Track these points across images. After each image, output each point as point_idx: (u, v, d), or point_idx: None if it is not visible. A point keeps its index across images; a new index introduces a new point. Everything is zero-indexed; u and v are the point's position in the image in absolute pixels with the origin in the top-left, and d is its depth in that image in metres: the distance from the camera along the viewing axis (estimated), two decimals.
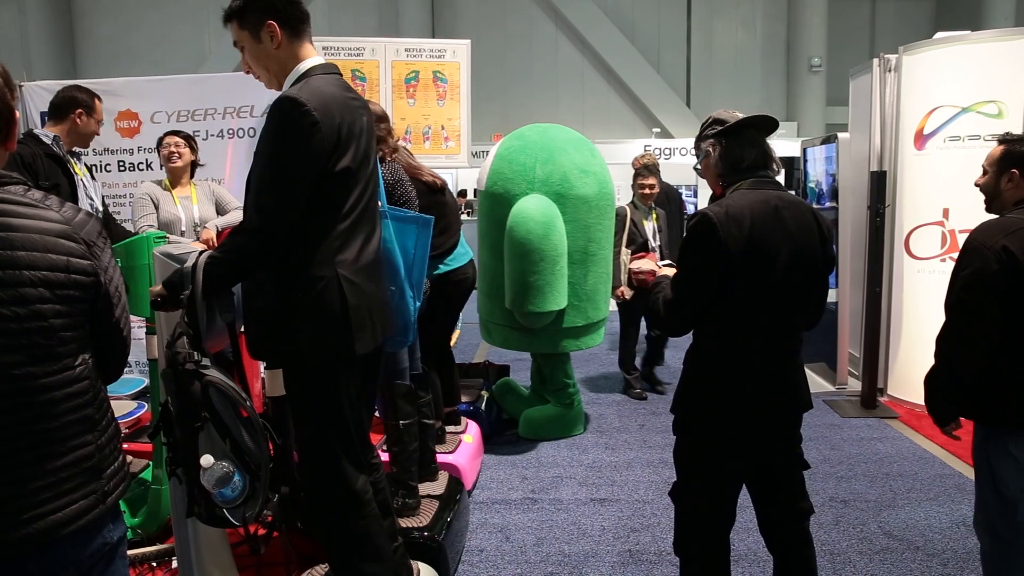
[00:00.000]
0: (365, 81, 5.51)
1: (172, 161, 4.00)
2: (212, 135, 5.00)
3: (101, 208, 3.57)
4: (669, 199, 5.54)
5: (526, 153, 4.16)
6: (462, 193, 12.27)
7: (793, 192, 2.49)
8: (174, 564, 2.54)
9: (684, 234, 2.43)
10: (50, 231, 1.27)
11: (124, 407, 3.89)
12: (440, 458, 3.38)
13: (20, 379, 1.23)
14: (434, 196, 3.44)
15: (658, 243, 5.19)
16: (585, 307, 4.23)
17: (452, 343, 4.57)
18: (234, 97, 4.97)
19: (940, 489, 3.68)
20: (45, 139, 3.29)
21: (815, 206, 4.94)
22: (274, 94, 2.04)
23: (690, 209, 10.31)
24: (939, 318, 2.19)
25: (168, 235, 3.57)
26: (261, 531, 2.41)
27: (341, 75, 2.09)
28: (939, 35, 5.01)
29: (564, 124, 4.60)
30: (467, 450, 3.71)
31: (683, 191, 10.48)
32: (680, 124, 14.34)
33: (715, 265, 1.94)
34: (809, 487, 2.24)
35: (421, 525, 2.78)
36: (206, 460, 1.68)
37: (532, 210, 3.93)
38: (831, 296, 2.28)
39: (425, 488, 3.05)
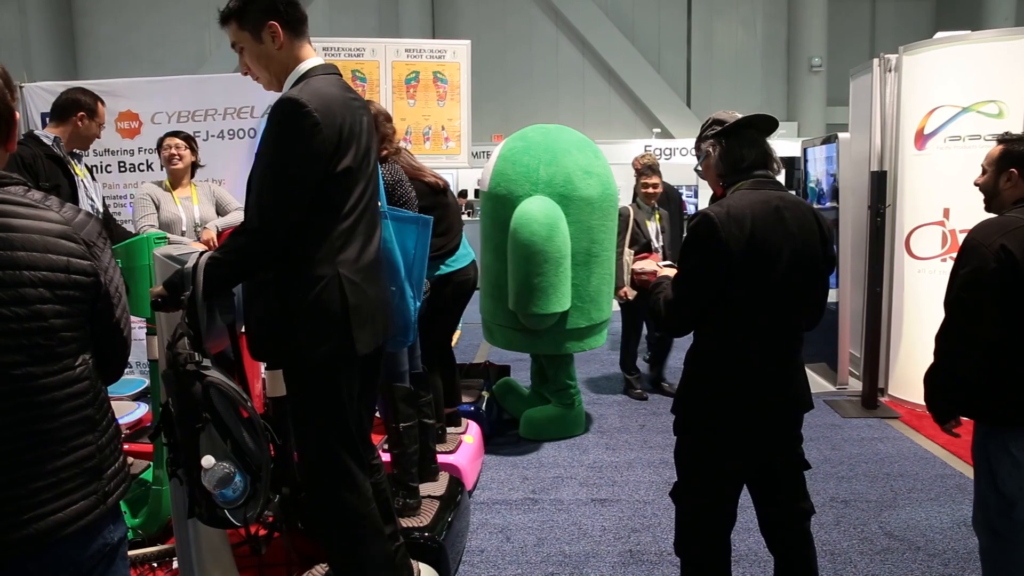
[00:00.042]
0: (365, 82, 5.51)
1: (173, 163, 4.01)
2: (212, 136, 5.00)
3: (101, 209, 3.58)
4: (669, 199, 5.54)
5: (529, 154, 4.15)
6: (462, 194, 12.26)
7: (794, 192, 2.50)
8: (175, 565, 2.54)
9: (684, 234, 2.43)
10: (50, 231, 1.27)
11: (125, 408, 3.90)
12: (441, 459, 3.38)
13: (20, 379, 1.23)
14: (436, 197, 3.45)
15: (661, 243, 5.18)
16: (588, 308, 4.23)
17: (453, 343, 4.57)
18: (234, 98, 4.97)
19: (941, 489, 3.68)
20: (46, 140, 3.29)
21: (816, 206, 4.94)
22: (274, 95, 2.04)
23: (690, 209, 10.31)
24: (940, 318, 2.19)
25: (169, 235, 3.58)
26: (262, 532, 2.41)
27: (341, 75, 2.09)
28: (939, 35, 5.00)
29: (564, 124, 4.60)
30: (468, 450, 3.71)
31: (683, 191, 10.48)
32: (680, 124, 14.34)
33: (716, 265, 1.94)
34: (810, 487, 2.24)
35: (422, 525, 2.78)
36: (207, 461, 1.68)
37: (536, 212, 3.92)
38: (832, 296, 2.28)
39: (426, 488, 3.05)
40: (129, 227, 4.09)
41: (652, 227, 5.18)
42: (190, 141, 4.09)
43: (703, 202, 9.77)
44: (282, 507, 2.10)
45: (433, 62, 5.60)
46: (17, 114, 1.35)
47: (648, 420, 4.84)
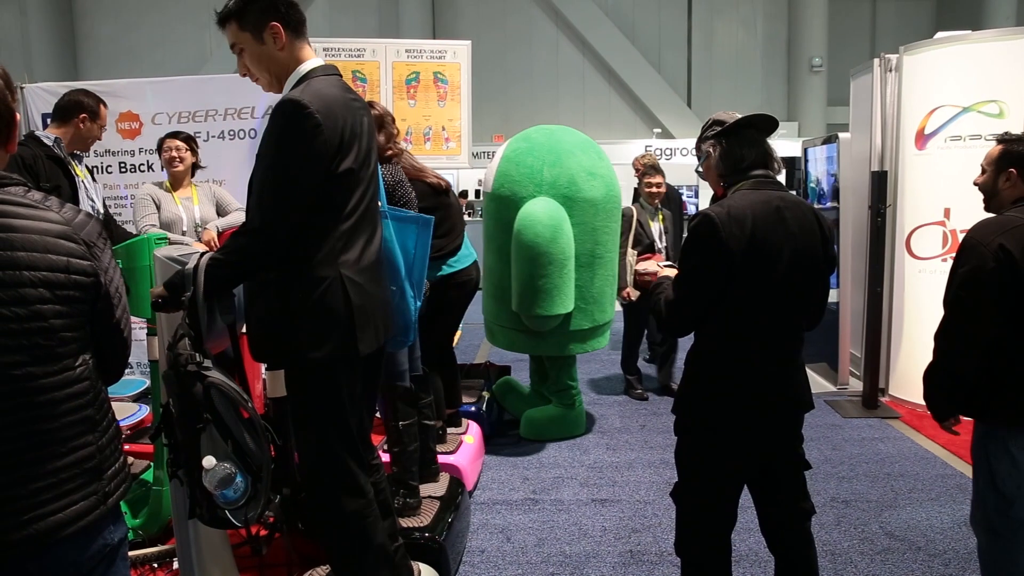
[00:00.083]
0: (366, 82, 5.51)
1: (174, 166, 4.01)
2: (213, 136, 5.01)
3: (102, 210, 3.58)
4: (669, 200, 5.54)
5: (533, 155, 4.15)
6: (462, 194, 12.25)
7: (794, 192, 2.50)
8: (175, 565, 2.54)
9: (685, 234, 2.44)
10: (50, 232, 1.27)
11: (126, 408, 3.90)
12: (441, 459, 3.38)
13: (20, 379, 1.23)
14: (439, 198, 3.46)
15: (664, 244, 5.17)
16: (591, 310, 4.23)
17: (453, 344, 4.57)
18: (235, 98, 4.98)
19: (942, 489, 3.67)
20: (46, 141, 3.29)
21: (816, 206, 4.94)
22: (274, 96, 2.03)
23: (691, 209, 10.31)
24: (940, 317, 2.20)
25: (169, 235, 3.58)
26: (263, 532, 2.41)
27: (341, 76, 2.09)
28: (940, 35, 5.00)
29: (565, 125, 4.60)
30: (468, 451, 3.72)
31: (684, 191, 10.48)
32: (681, 124, 14.33)
33: (716, 265, 1.94)
34: (810, 487, 2.24)
35: (422, 526, 2.79)
36: (208, 461, 1.68)
37: (540, 213, 3.92)
38: (832, 296, 2.28)
39: (426, 489, 3.05)
40: (129, 228, 4.09)
41: (656, 227, 5.16)
42: (190, 142, 4.09)
43: (704, 202, 9.78)
44: (283, 508, 2.10)
45: (433, 62, 5.61)
46: (18, 115, 1.35)
47: (649, 420, 4.84)
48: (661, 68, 15.16)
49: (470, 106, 5.72)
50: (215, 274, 1.86)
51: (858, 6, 15.22)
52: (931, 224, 4.90)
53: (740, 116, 2.07)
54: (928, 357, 2.23)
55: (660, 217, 5.22)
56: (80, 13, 15.10)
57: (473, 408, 4.30)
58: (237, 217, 4.09)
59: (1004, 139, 2.30)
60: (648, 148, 11.77)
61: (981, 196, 2.35)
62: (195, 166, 4.15)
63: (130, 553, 2.37)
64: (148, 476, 2.95)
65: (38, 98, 4.96)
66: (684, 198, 10.68)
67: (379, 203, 2.25)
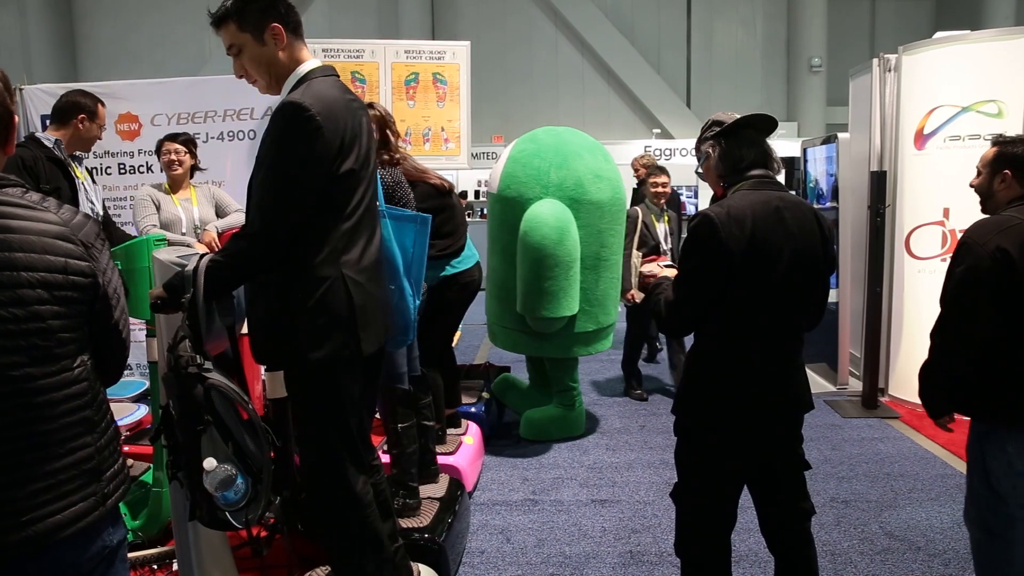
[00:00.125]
0: (365, 83, 5.51)
1: (173, 169, 4.02)
2: (212, 137, 5.01)
3: (101, 212, 3.58)
4: (668, 200, 5.53)
5: (540, 157, 4.14)
6: (462, 195, 12.26)
7: (794, 192, 2.51)
8: (175, 567, 2.54)
9: (684, 235, 2.44)
10: (48, 232, 1.27)
11: (125, 409, 3.90)
12: (441, 460, 3.38)
13: (18, 380, 1.23)
14: (442, 198, 3.48)
15: (670, 245, 5.16)
16: (596, 312, 4.23)
17: (453, 344, 4.57)
18: (234, 99, 4.98)
19: (941, 489, 3.67)
20: (47, 142, 3.29)
21: (815, 206, 4.94)
22: (273, 98, 2.03)
23: (690, 210, 10.31)
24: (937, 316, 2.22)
25: (168, 236, 3.58)
26: (263, 533, 2.41)
27: (339, 77, 2.09)
28: (939, 35, 5.01)
29: (564, 125, 4.60)
30: (468, 452, 3.71)
31: (683, 192, 10.49)
32: (680, 125, 14.33)
33: (716, 266, 1.94)
34: (810, 487, 2.24)
35: (422, 526, 2.78)
36: (209, 463, 1.68)
37: (547, 215, 3.92)
38: (832, 296, 2.29)
39: (426, 490, 3.05)
40: (128, 229, 4.09)
41: (661, 229, 5.13)
42: (189, 145, 4.09)
43: (703, 202, 9.78)
44: (283, 509, 2.10)
45: (432, 63, 5.60)
46: (16, 117, 1.35)
47: (648, 421, 4.84)
48: (660, 68, 15.16)
49: (469, 107, 5.72)
50: (215, 276, 1.86)
51: (857, 6, 15.23)
52: (930, 224, 4.90)
53: (739, 116, 2.07)
54: None
55: (666, 218, 5.19)
56: (79, 14, 15.09)
57: (473, 409, 4.30)
58: (237, 218, 4.09)
59: (998, 141, 2.33)
60: (647, 148, 11.77)
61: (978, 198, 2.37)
62: (194, 168, 4.15)
63: (129, 555, 2.37)
64: (148, 478, 2.95)
65: (37, 99, 4.96)
66: (684, 198, 10.69)
67: (377, 203, 2.25)
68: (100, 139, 3.58)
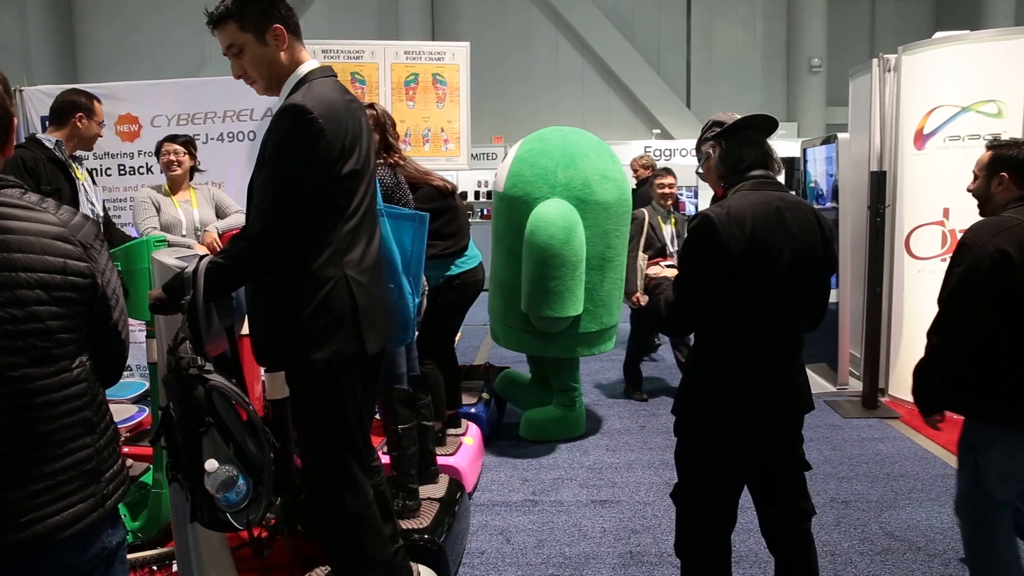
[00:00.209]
0: (364, 84, 5.51)
1: (172, 170, 4.01)
2: (212, 139, 5.01)
3: (102, 213, 3.58)
4: None
5: (548, 156, 4.14)
6: (462, 195, 12.20)
7: (793, 193, 2.51)
8: (174, 568, 2.54)
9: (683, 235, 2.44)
10: (47, 233, 1.27)
11: (125, 411, 3.90)
12: (440, 460, 3.38)
13: (17, 381, 1.23)
14: (445, 199, 3.53)
15: (676, 248, 5.14)
16: (600, 313, 4.23)
17: (454, 344, 4.57)
18: (234, 101, 4.98)
19: (941, 489, 3.67)
20: (47, 144, 3.29)
21: (815, 206, 4.94)
22: (272, 99, 2.03)
23: (690, 210, 10.30)
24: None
25: (168, 237, 3.58)
26: (263, 534, 2.40)
27: (337, 78, 2.09)
28: (938, 35, 5.01)
29: (564, 126, 4.59)
30: (467, 452, 3.71)
31: (683, 192, 10.47)
32: (680, 125, 14.31)
33: (716, 266, 1.94)
34: (810, 488, 2.23)
35: (422, 527, 2.78)
36: (210, 464, 1.68)
37: (554, 215, 3.92)
38: (832, 296, 2.29)
39: (426, 491, 3.05)
40: (128, 230, 4.09)
41: (667, 231, 5.10)
42: (188, 146, 4.09)
43: (703, 203, 9.77)
44: (283, 509, 2.10)
45: (432, 64, 5.60)
46: (16, 119, 1.35)
47: (648, 421, 4.84)
48: (660, 69, 15.15)
49: (469, 107, 5.71)
50: (215, 278, 1.86)
51: (857, 6, 15.21)
52: (930, 224, 4.90)
53: (740, 117, 2.07)
54: None
55: (672, 220, 5.17)
56: (79, 15, 15.09)
57: (473, 409, 4.30)
58: (237, 219, 4.09)
59: (993, 145, 2.37)
60: (647, 149, 11.76)
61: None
62: (193, 169, 4.15)
63: (129, 556, 2.37)
64: (147, 479, 2.94)
65: (37, 101, 4.96)
66: (684, 198, 10.67)
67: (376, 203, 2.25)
68: (101, 136, 3.58)
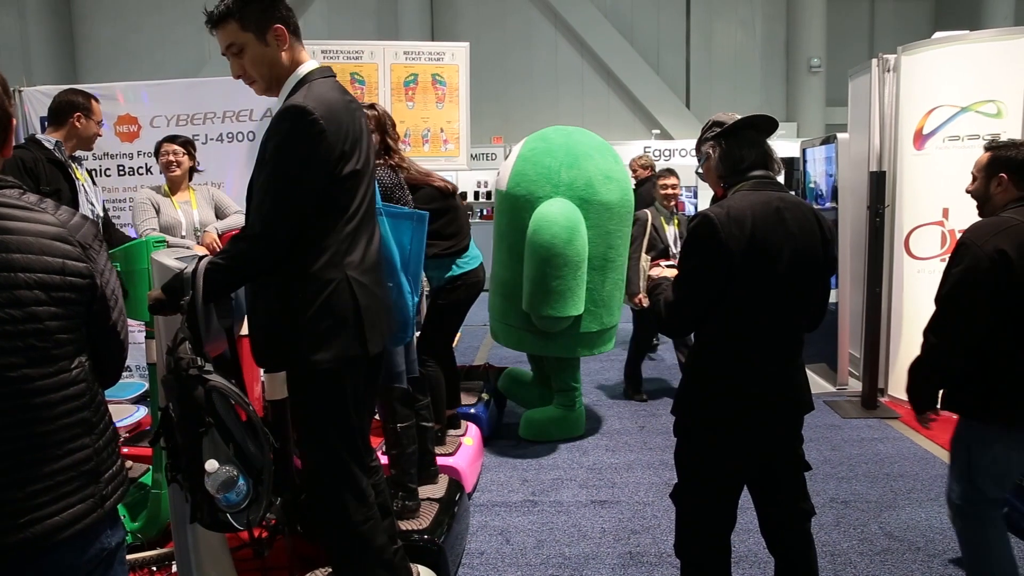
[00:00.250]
0: (364, 84, 5.51)
1: (171, 170, 4.01)
2: (211, 139, 5.01)
3: (101, 213, 3.58)
4: None
5: (551, 156, 4.14)
6: (462, 196, 12.19)
7: (793, 193, 2.52)
8: (174, 568, 2.54)
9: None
10: (45, 234, 1.27)
11: (125, 411, 3.89)
12: (440, 461, 3.38)
13: (16, 381, 1.23)
14: (447, 200, 3.57)
15: (678, 249, 5.13)
16: (601, 313, 4.24)
17: (453, 344, 4.57)
18: (233, 101, 4.98)
19: (941, 489, 3.67)
20: (47, 144, 3.29)
21: (815, 207, 4.94)
22: (270, 99, 2.03)
23: (690, 210, 10.30)
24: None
25: (168, 238, 3.58)
26: (264, 534, 2.40)
27: (336, 78, 2.09)
28: (938, 35, 5.01)
29: (564, 126, 4.59)
30: (467, 452, 3.71)
31: (683, 192, 10.46)
32: (680, 125, 14.31)
33: (716, 266, 1.94)
34: (810, 488, 2.23)
35: (421, 528, 2.78)
36: (211, 465, 1.68)
37: (557, 215, 3.92)
38: (831, 296, 2.30)
39: (425, 491, 3.05)
40: (128, 231, 4.09)
41: (670, 232, 5.08)
42: (188, 146, 4.09)
43: (703, 203, 9.77)
44: (283, 510, 2.09)
45: (432, 64, 5.60)
46: (14, 119, 1.35)
47: (648, 421, 4.84)
48: (660, 69, 15.15)
49: (468, 108, 5.71)
50: (215, 278, 1.86)
51: (856, 7, 15.22)
52: (930, 224, 4.90)
53: (740, 117, 2.07)
54: None
55: (675, 221, 5.14)
56: (79, 15, 15.08)
57: (472, 410, 4.30)
58: (236, 220, 4.09)
59: (991, 146, 2.38)
60: (647, 149, 11.76)
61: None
62: (193, 170, 4.15)
63: (129, 556, 2.37)
64: (147, 479, 2.94)
65: (36, 102, 4.96)
66: (683, 198, 10.66)
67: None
68: (100, 135, 3.58)
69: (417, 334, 3.81)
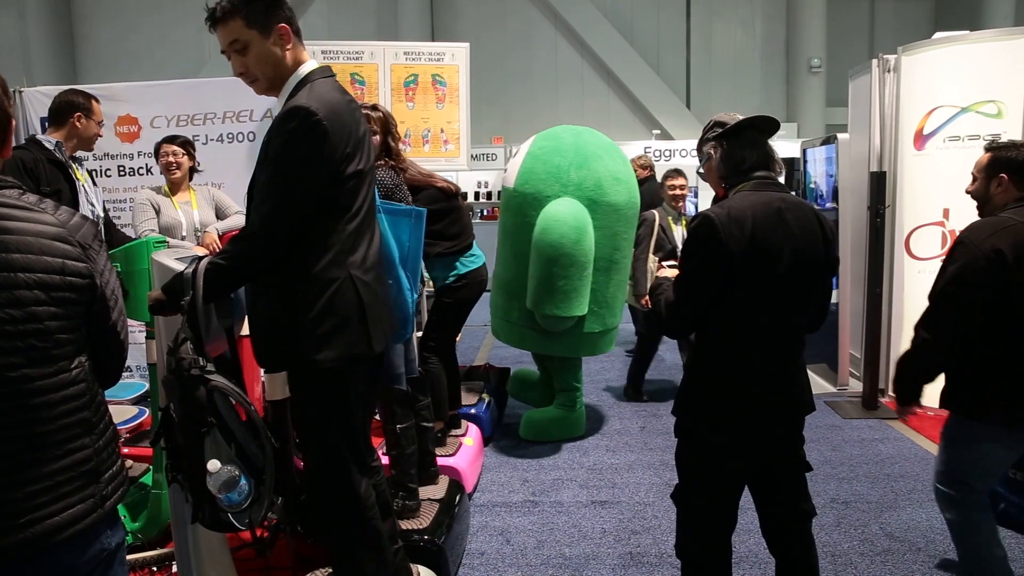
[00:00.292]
0: (364, 85, 5.51)
1: (171, 171, 4.01)
2: (212, 139, 5.01)
3: (102, 214, 3.58)
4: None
5: (561, 155, 4.13)
6: (462, 196, 12.17)
7: (794, 193, 2.52)
8: (174, 569, 2.54)
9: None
10: (45, 234, 1.27)
11: (125, 411, 3.89)
12: (440, 461, 3.38)
13: (16, 381, 1.23)
14: (449, 200, 3.62)
15: None
16: (604, 314, 4.24)
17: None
18: (233, 101, 4.98)
19: None
20: (47, 145, 3.29)
21: (816, 207, 4.93)
22: (270, 100, 2.03)
23: (690, 210, 10.29)
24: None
25: (168, 239, 3.58)
26: (265, 534, 2.40)
27: (336, 78, 2.09)
28: (938, 35, 5.01)
29: (563, 126, 4.59)
30: (467, 453, 3.71)
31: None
32: (680, 126, 14.31)
33: (716, 266, 1.94)
34: (810, 488, 2.23)
35: (421, 528, 2.78)
36: (213, 465, 1.68)
37: (566, 214, 3.92)
38: (832, 297, 2.30)
39: (425, 491, 3.05)
40: (128, 231, 4.09)
41: (678, 232, 5.04)
42: (187, 147, 4.09)
43: (704, 203, 9.77)
44: (285, 509, 2.09)
45: (432, 64, 5.61)
46: (14, 120, 1.35)
47: (648, 422, 4.83)
48: (660, 69, 15.15)
49: (468, 108, 5.71)
50: (215, 278, 1.86)
51: (856, 7, 15.22)
52: (930, 224, 4.90)
53: (741, 117, 2.07)
54: None
55: (683, 222, 5.10)
56: (79, 16, 15.08)
57: (473, 410, 4.30)
58: (237, 220, 4.09)
59: (991, 147, 2.39)
60: (647, 149, 11.76)
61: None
62: (192, 170, 4.15)
63: (129, 556, 2.37)
64: (147, 479, 2.94)
65: (36, 102, 4.96)
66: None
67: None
68: (100, 136, 3.58)
69: (419, 334, 3.82)
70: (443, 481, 3.20)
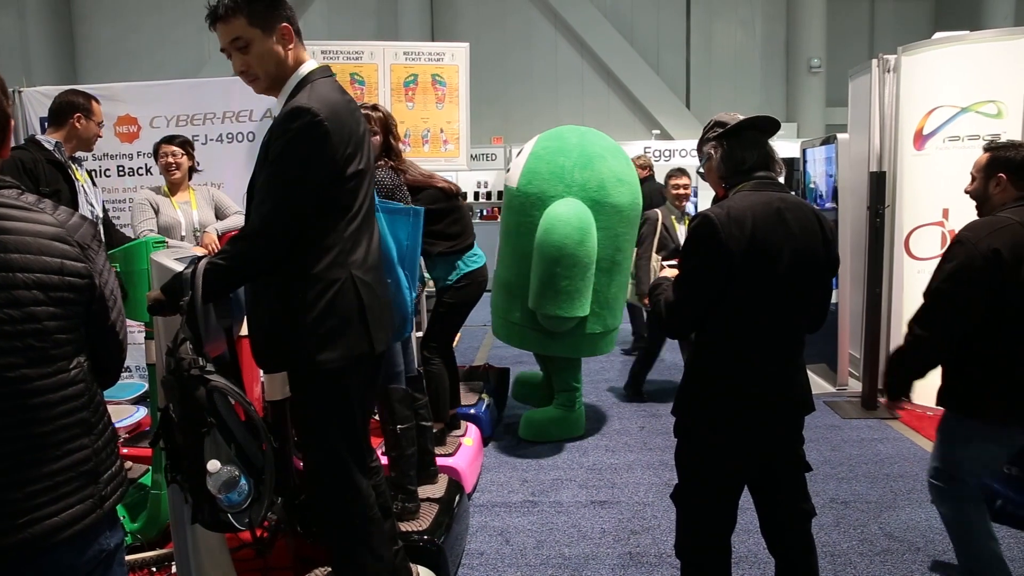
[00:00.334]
0: (364, 85, 5.51)
1: (170, 172, 4.01)
2: (211, 139, 5.01)
3: (101, 214, 3.58)
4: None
5: (565, 155, 4.12)
6: (462, 196, 12.17)
7: (794, 193, 2.52)
8: (173, 569, 2.54)
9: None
10: (44, 234, 1.27)
11: (124, 411, 3.89)
12: (440, 461, 3.38)
13: (14, 382, 1.23)
14: (449, 201, 3.63)
15: None
16: (605, 315, 4.25)
17: (453, 344, 4.57)
18: (233, 102, 4.98)
19: None
20: (47, 145, 3.29)
21: (815, 207, 4.93)
22: (270, 100, 2.02)
23: (690, 210, 10.29)
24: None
25: (168, 239, 3.58)
26: (265, 535, 2.40)
27: (335, 77, 2.09)
28: (938, 35, 5.01)
29: (563, 126, 4.59)
30: (467, 453, 3.71)
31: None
32: (680, 126, 14.31)
33: (716, 266, 1.94)
34: (810, 488, 2.23)
35: (421, 529, 2.78)
36: (212, 465, 1.68)
37: (570, 215, 3.92)
38: (831, 297, 2.32)
39: (425, 491, 3.05)
40: (128, 231, 4.09)
41: (681, 231, 5.04)
42: (186, 147, 4.09)
43: (704, 202, 9.77)
44: (285, 510, 2.09)
45: (431, 64, 5.60)
46: (13, 120, 1.35)
47: (648, 422, 4.83)
48: (660, 69, 15.15)
49: (468, 108, 5.71)
50: (214, 278, 1.86)
51: (856, 7, 15.22)
52: (930, 224, 4.90)
53: (742, 117, 2.07)
54: None
55: (686, 221, 5.11)
56: (79, 16, 15.08)
57: (472, 410, 4.29)
58: (236, 220, 4.09)
59: (991, 147, 2.40)
60: (647, 149, 11.76)
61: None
62: (192, 170, 4.15)
63: (128, 557, 2.37)
64: (146, 480, 2.94)
65: (36, 102, 4.95)
66: None
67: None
68: (100, 136, 3.58)
69: (418, 334, 3.83)
70: (442, 481, 3.20)
